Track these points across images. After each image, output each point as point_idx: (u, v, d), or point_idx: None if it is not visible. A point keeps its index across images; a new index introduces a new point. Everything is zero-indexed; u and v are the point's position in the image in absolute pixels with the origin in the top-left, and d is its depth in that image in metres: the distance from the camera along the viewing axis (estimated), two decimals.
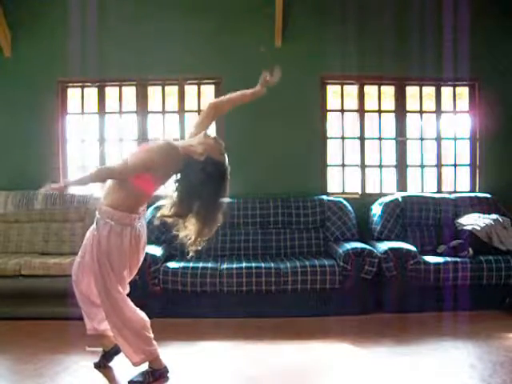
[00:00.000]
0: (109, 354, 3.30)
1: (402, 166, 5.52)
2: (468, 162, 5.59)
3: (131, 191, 2.98)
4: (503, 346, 3.59)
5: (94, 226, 3.09)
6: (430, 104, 5.58)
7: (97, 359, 3.32)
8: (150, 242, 4.70)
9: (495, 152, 5.43)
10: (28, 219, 4.90)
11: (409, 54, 5.28)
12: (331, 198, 5.17)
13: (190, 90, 5.45)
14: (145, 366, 3.11)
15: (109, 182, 3.08)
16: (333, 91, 5.51)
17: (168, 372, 3.15)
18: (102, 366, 3.29)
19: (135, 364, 3.07)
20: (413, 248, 4.53)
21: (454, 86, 5.56)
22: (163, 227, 4.74)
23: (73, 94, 5.46)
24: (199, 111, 5.16)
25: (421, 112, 5.56)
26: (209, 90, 5.45)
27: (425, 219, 5.05)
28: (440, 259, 4.54)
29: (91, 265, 3.06)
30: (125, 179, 2.96)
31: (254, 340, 3.81)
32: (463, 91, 5.62)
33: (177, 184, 3.00)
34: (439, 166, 5.58)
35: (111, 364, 3.31)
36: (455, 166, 5.61)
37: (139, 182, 2.95)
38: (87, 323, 3.28)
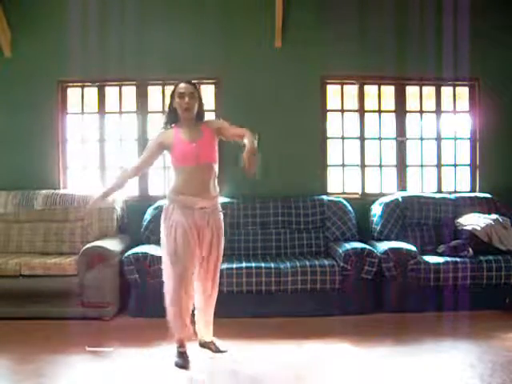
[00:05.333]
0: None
1: (401, 166, 5.52)
2: (468, 162, 5.59)
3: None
4: (503, 346, 3.59)
5: (204, 222, 3.36)
6: (430, 104, 5.58)
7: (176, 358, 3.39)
8: (149, 241, 4.73)
9: (495, 152, 5.42)
10: (28, 219, 4.90)
11: (409, 54, 5.29)
12: (331, 198, 5.16)
13: None
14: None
15: (205, 183, 3.33)
16: (333, 91, 5.51)
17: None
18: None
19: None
20: (413, 248, 4.53)
21: (454, 86, 5.56)
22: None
23: (73, 93, 5.45)
24: None
25: (421, 112, 5.56)
26: (209, 90, 5.45)
27: (425, 219, 5.05)
28: (440, 259, 4.54)
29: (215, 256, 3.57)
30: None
31: (253, 340, 3.81)
32: (463, 91, 5.62)
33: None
34: (439, 165, 5.58)
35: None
36: (455, 166, 5.60)
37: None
38: (190, 328, 3.42)
